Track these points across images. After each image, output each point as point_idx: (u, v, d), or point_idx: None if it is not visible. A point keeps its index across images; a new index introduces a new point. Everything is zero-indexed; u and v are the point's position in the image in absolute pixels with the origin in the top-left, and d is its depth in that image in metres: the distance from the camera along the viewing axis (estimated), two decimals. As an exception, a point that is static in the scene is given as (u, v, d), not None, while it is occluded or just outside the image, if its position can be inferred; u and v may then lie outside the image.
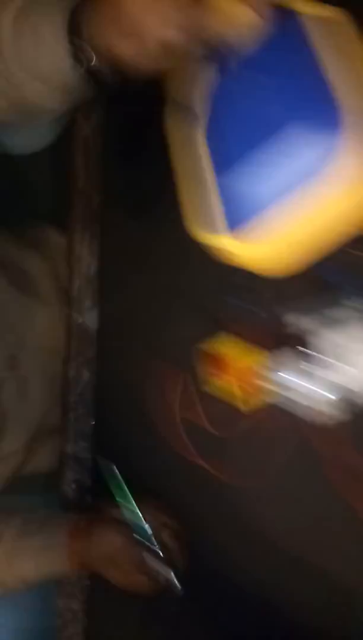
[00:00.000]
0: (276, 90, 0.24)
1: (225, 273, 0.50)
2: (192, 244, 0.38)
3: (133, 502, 0.49)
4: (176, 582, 0.48)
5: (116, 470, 0.50)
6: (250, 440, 0.51)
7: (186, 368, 0.54)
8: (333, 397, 0.44)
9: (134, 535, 0.49)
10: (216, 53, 0.30)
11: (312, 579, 0.48)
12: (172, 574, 0.48)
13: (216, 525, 0.52)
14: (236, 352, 0.50)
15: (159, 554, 0.48)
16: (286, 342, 0.50)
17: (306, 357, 0.48)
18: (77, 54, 0.39)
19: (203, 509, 0.52)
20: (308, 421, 0.46)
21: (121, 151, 0.61)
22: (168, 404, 0.53)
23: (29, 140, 0.74)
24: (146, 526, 0.48)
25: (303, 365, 0.48)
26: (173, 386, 0.53)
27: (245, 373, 0.49)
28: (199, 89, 0.34)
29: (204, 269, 0.52)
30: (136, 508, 0.49)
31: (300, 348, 0.46)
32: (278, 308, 0.50)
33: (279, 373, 0.48)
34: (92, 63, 0.39)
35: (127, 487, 0.50)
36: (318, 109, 0.22)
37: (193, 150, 0.32)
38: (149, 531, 0.48)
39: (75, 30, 0.38)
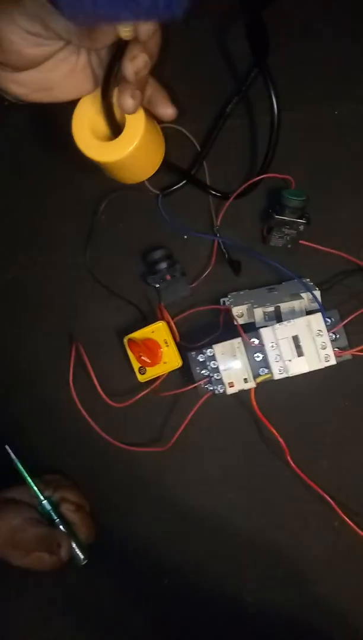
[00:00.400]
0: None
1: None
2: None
3: (30, 479, 0.48)
4: (80, 553, 0.48)
5: (10, 450, 0.48)
6: (147, 410, 0.53)
7: (79, 340, 0.54)
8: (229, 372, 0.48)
9: (37, 511, 0.48)
10: None
11: (205, 542, 0.52)
12: (74, 545, 0.48)
13: (117, 494, 0.53)
14: (143, 329, 0.51)
15: (60, 528, 0.47)
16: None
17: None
18: None
19: (103, 479, 0.53)
20: (201, 389, 0.49)
21: None
22: (62, 377, 0.52)
23: None
24: (45, 502, 0.48)
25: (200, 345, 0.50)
26: (67, 359, 0.52)
27: (144, 344, 0.50)
28: None
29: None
30: (34, 485, 0.48)
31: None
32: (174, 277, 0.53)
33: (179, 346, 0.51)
34: None
35: (23, 466, 0.48)
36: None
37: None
38: (48, 506, 0.48)
39: None
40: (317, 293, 0.48)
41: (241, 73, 0.54)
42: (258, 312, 0.48)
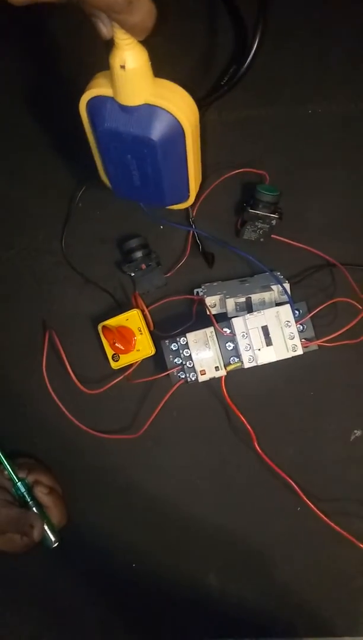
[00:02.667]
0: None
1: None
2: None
3: (4, 461, 0.48)
4: (51, 536, 0.48)
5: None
6: (119, 397, 0.53)
7: (53, 326, 0.54)
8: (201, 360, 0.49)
9: (10, 494, 0.48)
10: None
11: (177, 527, 0.53)
12: (46, 528, 0.48)
13: (88, 480, 0.54)
14: (117, 316, 0.51)
15: (33, 509, 0.48)
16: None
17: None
18: None
19: (74, 466, 0.54)
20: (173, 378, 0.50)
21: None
22: (35, 363, 0.53)
23: None
24: (20, 484, 0.48)
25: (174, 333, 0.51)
26: (40, 345, 0.53)
27: (118, 331, 0.50)
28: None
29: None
30: (8, 467, 0.48)
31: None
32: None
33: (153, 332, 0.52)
34: None
35: None
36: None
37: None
38: (23, 488, 0.48)
39: None
40: (287, 285, 0.50)
41: (221, 68, 0.55)
42: (230, 303, 0.50)
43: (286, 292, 0.49)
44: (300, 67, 0.56)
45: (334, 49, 0.55)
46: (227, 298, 0.50)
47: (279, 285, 0.50)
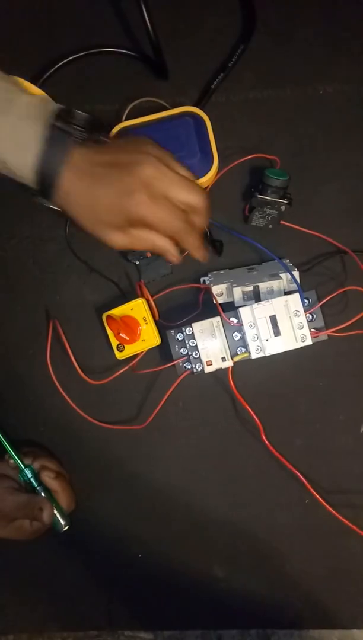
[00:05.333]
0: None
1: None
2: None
3: (10, 448, 0.48)
4: (61, 519, 0.48)
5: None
6: (124, 387, 0.53)
7: (58, 316, 0.53)
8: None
9: (17, 481, 0.48)
10: None
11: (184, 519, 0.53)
12: (55, 512, 0.48)
13: (93, 470, 0.53)
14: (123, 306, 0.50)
15: (41, 494, 0.48)
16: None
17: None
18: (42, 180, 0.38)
19: (80, 456, 0.53)
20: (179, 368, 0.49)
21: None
22: (40, 353, 0.52)
23: None
24: (26, 470, 0.48)
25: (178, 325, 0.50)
26: (45, 335, 0.52)
27: (122, 321, 0.49)
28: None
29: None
30: (14, 454, 0.48)
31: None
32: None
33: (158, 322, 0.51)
34: (42, 200, 0.39)
35: (4, 436, 0.49)
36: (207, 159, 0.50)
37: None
38: (29, 474, 0.48)
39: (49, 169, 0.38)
40: (296, 274, 0.49)
41: (228, 49, 0.53)
42: (237, 292, 0.49)
43: (295, 280, 0.48)
44: (311, 46, 0.53)
45: (345, 27, 0.53)
46: (234, 287, 0.48)
47: (288, 274, 0.48)
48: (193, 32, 0.54)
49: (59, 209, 0.40)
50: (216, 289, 0.49)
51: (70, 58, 0.53)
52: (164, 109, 0.51)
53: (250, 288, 0.48)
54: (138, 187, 0.38)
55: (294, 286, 0.48)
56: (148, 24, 0.47)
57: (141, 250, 0.42)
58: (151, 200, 0.38)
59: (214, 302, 0.48)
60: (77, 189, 0.39)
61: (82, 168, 0.39)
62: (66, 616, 0.54)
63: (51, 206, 0.40)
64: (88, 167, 0.39)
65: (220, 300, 0.49)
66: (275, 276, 0.49)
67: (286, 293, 0.48)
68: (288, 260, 0.51)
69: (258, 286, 0.48)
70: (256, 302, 0.47)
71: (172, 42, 0.52)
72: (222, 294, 0.50)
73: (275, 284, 0.48)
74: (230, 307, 0.49)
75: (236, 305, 0.49)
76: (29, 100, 0.39)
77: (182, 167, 0.41)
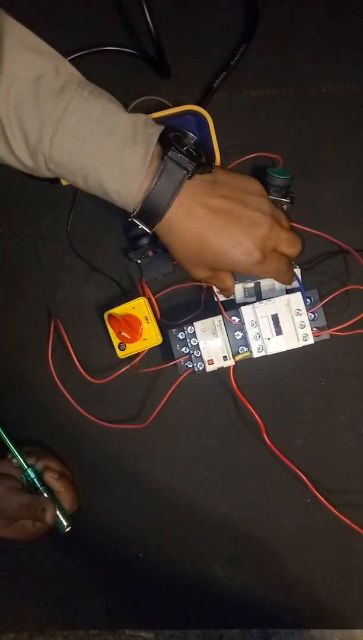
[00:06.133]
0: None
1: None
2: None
3: (13, 448, 0.48)
4: (63, 520, 0.48)
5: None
6: (126, 386, 0.52)
7: (59, 314, 0.53)
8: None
9: (19, 481, 0.48)
10: None
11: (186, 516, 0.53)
12: (58, 512, 0.48)
13: (94, 469, 0.53)
14: (124, 304, 0.50)
15: (44, 495, 0.48)
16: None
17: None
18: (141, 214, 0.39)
19: (81, 455, 0.53)
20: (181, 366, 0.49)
21: None
22: (41, 352, 0.52)
23: None
24: (29, 470, 0.48)
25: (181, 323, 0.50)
26: (46, 333, 0.52)
27: (124, 320, 0.49)
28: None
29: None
30: (17, 454, 0.48)
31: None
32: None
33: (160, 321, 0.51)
34: (142, 228, 0.40)
35: (7, 436, 0.49)
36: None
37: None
38: (32, 474, 0.48)
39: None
40: (298, 272, 0.48)
41: (230, 47, 0.53)
42: (239, 288, 0.48)
43: (297, 278, 0.48)
44: (314, 45, 0.53)
45: (349, 26, 0.53)
46: (236, 283, 0.48)
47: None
48: (195, 30, 0.54)
49: (152, 232, 0.41)
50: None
51: (71, 57, 0.53)
52: (166, 107, 0.51)
53: (251, 285, 0.48)
54: (254, 247, 0.40)
55: (295, 284, 0.48)
56: (150, 22, 0.47)
57: (213, 285, 0.46)
58: (264, 259, 0.40)
59: (216, 299, 0.48)
60: (186, 227, 0.39)
61: (192, 209, 0.39)
62: (67, 615, 0.54)
63: (145, 229, 0.41)
64: (199, 210, 0.39)
65: (221, 298, 0.49)
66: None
67: (288, 291, 0.48)
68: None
69: (259, 283, 0.48)
70: (257, 299, 0.47)
71: (174, 40, 0.52)
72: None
73: (276, 282, 0.48)
74: (232, 306, 0.49)
75: (238, 302, 0.49)
76: (133, 121, 0.38)
77: (286, 220, 0.44)
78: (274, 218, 0.41)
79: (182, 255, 0.42)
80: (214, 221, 0.39)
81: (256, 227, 0.40)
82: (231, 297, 0.49)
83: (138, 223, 0.40)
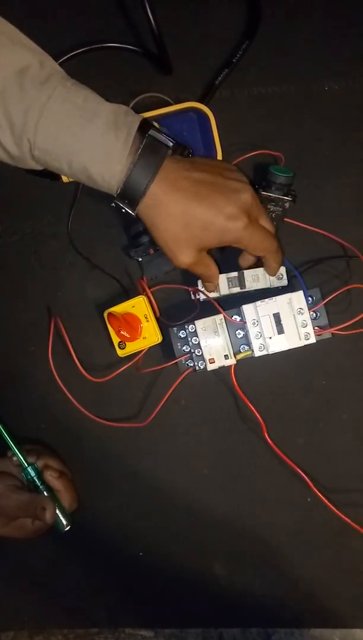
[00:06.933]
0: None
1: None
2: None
3: (14, 446, 0.48)
4: (63, 519, 0.48)
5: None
6: (126, 385, 0.52)
7: (59, 312, 0.53)
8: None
9: (19, 480, 0.48)
10: None
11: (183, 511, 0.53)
12: (58, 511, 0.48)
13: (95, 467, 0.53)
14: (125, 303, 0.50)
15: (44, 494, 0.48)
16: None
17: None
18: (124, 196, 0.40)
19: (81, 453, 0.53)
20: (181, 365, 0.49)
21: None
22: (41, 350, 0.52)
23: None
24: (29, 468, 0.48)
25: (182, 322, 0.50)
26: (46, 331, 0.52)
27: (123, 319, 0.49)
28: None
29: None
30: (17, 452, 0.48)
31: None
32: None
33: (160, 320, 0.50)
34: (122, 206, 0.40)
35: (8, 434, 0.48)
36: (211, 155, 0.51)
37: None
38: (32, 473, 0.48)
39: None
40: (283, 269, 0.48)
41: (233, 44, 0.53)
42: (222, 279, 0.48)
43: (299, 278, 0.48)
44: (316, 42, 0.53)
45: (352, 23, 0.53)
46: (219, 274, 0.48)
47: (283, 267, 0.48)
48: (197, 27, 0.54)
49: (135, 216, 0.41)
50: (201, 282, 0.48)
51: (72, 53, 0.53)
52: (168, 104, 0.50)
53: (235, 274, 0.48)
54: (241, 213, 0.41)
55: (281, 283, 0.48)
56: (151, 19, 0.46)
57: (199, 273, 0.44)
58: (250, 225, 0.41)
59: (206, 297, 0.48)
60: (171, 199, 0.40)
61: (176, 182, 0.40)
62: (66, 613, 0.54)
63: (128, 211, 0.41)
64: (183, 182, 0.40)
65: (211, 295, 0.48)
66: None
67: (289, 290, 0.48)
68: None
69: (242, 273, 0.48)
70: (241, 288, 0.47)
71: (176, 37, 0.52)
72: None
73: (260, 271, 0.48)
74: (233, 305, 0.48)
75: (222, 294, 0.48)
76: (114, 109, 0.39)
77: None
78: (252, 189, 0.43)
79: (168, 234, 0.41)
80: (199, 191, 0.40)
81: (239, 194, 0.41)
82: (216, 295, 0.48)
83: (121, 205, 0.41)
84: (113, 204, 0.41)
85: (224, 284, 0.48)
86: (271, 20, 0.53)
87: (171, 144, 0.41)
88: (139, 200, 0.40)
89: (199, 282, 0.48)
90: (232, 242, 0.42)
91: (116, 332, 0.49)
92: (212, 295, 0.48)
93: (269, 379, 0.52)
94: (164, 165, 0.40)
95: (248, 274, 0.48)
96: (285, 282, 0.48)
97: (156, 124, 0.43)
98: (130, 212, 0.41)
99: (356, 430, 0.52)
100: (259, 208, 0.43)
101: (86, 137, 0.38)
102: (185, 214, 0.40)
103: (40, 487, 0.48)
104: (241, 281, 0.48)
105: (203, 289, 0.48)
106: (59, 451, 0.53)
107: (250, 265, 0.48)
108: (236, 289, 0.47)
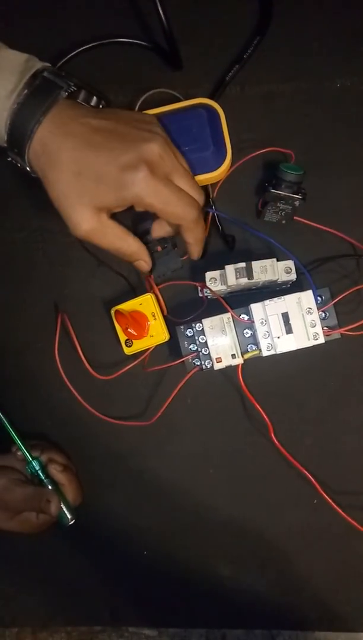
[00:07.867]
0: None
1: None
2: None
3: (18, 440, 0.48)
4: (67, 513, 0.48)
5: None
6: (132, 383, 0.52)
7: (66, 309, 0.53)
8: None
9: (24, 474, 0.48)
10: None
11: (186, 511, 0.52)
12: (62, 505, 0.48)
13: (100, 466, 0.53)
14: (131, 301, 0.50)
15: (48, 487, 0.48)
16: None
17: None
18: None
19: (86, 451, 0.53)
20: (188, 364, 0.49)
21: None
22: (48, 347, 0.51)
23: None
24: (34, 462, 0.48)
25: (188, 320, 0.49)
26: (53, 328, 0.51)
27: (131, 316, 0.49)
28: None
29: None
30: (22, 446, 0.48)
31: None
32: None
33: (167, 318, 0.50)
34: (16, 160, 0.37)
35: (12, 428, 0.48)
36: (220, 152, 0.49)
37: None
38: (37, 466, 0.48)
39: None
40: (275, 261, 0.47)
41: (243, 40, 0.52)
42: (230, 270, 0.46)
43: (308, 277, 0.47)
44: (328, 39, 0.52)
45: (365, 18, 0.52)
46: (226, 265, 0.47)
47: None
48: (208, 22, 0.53)
49: (31, 172, 0.36)
50: (209, 275, 0.47)
51: (81, 48, 0.53)
52: (178, 100, 0.50)
53: (243, 265, 0.47)
54: (141, 162, 0.35)
55: (290, 277, 0.47)
56: (162, 14, 0.46)
57: (106, 248, 0.39)
58: (154, 179, 0.35)
59: (211, 293, 0.47)
60: (61, 146, 0.35)
61: (67, 126, 0.35)
62: (70, 611, 0.54)
63: (23, 166, 0.37)
64: (77, 127, 0.35)
65: (214, 287, 0.48)
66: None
67: (299, 289, 0.47)
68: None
69: (251, 263, 0.47)
70: (248, 279, 0.46)
71: (186, 32, 0.51)
72: (216, 280, 0.48)
73: (268, 262, 0.47)
74: (240, 304, 0.48)
75: (229, 284, 0.47)
76: (14, 56, 0.35)
77: (185, 162, 0.39)
78: (167, 143, 0.37)
79: (59, 186, 0.36)
80: (93, 138, 0.35)
81: (143, 142, 0.36)
82: (224, 288, 0.47)
83: (12, 157, 0.37)
84: (9, 159, 0.36)
85: (232, 275, 0.47)
86: (283, 16, 0.52)
87: (73, 89, 0.36)
88: (26, 147, 0.35)
89: (206, 276, 0.48)
90: (133, 200, 0.36)
91: (123, 330, 0.49)
92: (219, 290, 0.48)
93: (277, 380, 0.51)
94: (57, 108, 0.35)
95: (256, 265, 0.47)
96: (294, 276, 0.47)
97: (74, 79, 0.37)
98: (22, 164, 0.36)
99: (364, 432, 0.51)
100: (172, 162, 0.37)
101: None
102: (77, 161, 0.35)
103: (45, 480, 0.48)
104: (249, 272, 0.47)
105: (209, 286, 0.47)
106: (65, 448, 0.53)
107: (162, 235, 0.42)
108: (244, 280, 0.46)
